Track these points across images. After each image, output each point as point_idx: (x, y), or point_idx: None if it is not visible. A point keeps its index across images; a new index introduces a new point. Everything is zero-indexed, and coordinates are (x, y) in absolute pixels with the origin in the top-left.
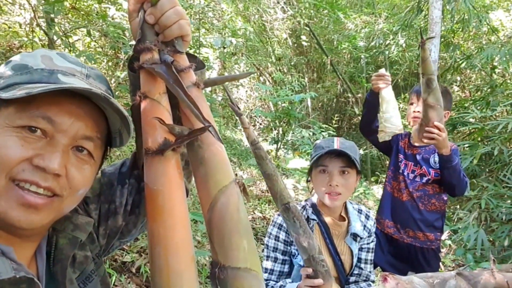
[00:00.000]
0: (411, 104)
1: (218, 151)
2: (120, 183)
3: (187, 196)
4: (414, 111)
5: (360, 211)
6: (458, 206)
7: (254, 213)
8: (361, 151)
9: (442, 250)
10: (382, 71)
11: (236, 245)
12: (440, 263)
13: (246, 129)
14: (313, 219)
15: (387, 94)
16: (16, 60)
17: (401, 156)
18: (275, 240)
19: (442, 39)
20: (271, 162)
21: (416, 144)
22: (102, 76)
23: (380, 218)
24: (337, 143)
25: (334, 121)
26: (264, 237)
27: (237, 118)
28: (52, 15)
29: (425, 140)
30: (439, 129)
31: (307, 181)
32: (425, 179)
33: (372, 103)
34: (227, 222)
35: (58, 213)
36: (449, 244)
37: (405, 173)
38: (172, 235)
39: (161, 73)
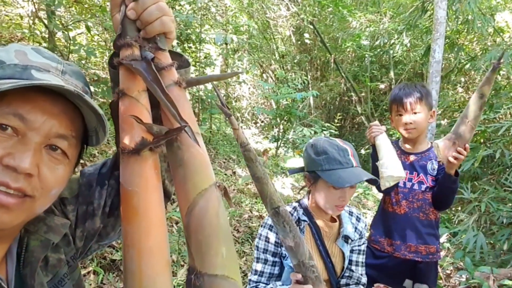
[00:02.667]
0: (399, 115)
1: (199, 153)
2: (99, 184)
3: (169, 200)
4: (406, 123)
5: (351, 213)
6: (459, 208)
7: (251, 212)
8: (363, 151)
9: (441, 253)
10: (375, 123)
11: (214, 251)
12: (438, 266)
13: (235, 130)
14: (304, 221)
15: (381, 141)
16: None
17: None
18: (265, 241)
19: (447, 40)
20: (261, 165)
21: (409, 151)
22: (79, 72)
23: (379, 238)
24: (354, 160)
25: (336, 120)
26: None
27: (227, 118)
28: (53, 8)
29: (452, 160)
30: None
31: (305, 177)
32: (423, 187)
33: (376, 157)
34: (205, 227)
35: (30, 214)
36: (448, 247)
37: (400, 184)
38: (146, 239)
39: (139, 70)
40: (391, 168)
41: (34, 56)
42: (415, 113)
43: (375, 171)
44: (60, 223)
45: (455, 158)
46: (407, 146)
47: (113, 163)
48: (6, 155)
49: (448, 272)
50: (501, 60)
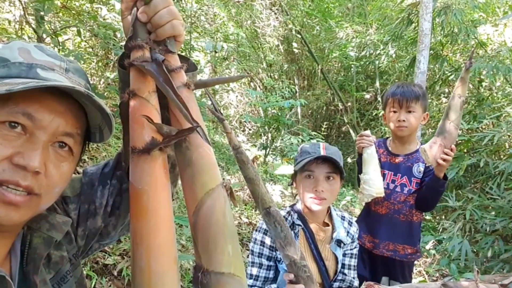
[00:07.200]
0: (393, 112)
1: (206, 153)
2: (101, 184)
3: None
4: (399, 120)
5: (343, 218)
6: (443, 217)
7: (241, 218)
8: (349, 160)
9: (427, 259)
10: (366, 132)
11: (220, 249)
12: (424, 272)
13: (228, 133)
14: (298, 225)
15: (368, 155)
16: None
17: None
18: (260, 245)
19: (431, 51)
20: (253, 167)
21: (396, 152)
22: (81, 70)
23: (362, 233)
24: (323, 149)
25: (323, 129)
26: (250, 242)
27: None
28: (42, 13)
29: (441, 162)
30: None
31: (290, 185)
32: (406, 189)
33: (361, 164)
34: (212, 225)
35: (36, 211)
36: (434, 254)
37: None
38: (155, 236)
39: (151, 71)
40: (374, 187)
41: (37, 54)
42: (409, 111)
43: (359, 180)
44: (62, 221)
45: (444, 160)
46: (395, 146)
47: (116, 163)
48: (16, 154)
49: (435, 279)
50: (472, 60)
